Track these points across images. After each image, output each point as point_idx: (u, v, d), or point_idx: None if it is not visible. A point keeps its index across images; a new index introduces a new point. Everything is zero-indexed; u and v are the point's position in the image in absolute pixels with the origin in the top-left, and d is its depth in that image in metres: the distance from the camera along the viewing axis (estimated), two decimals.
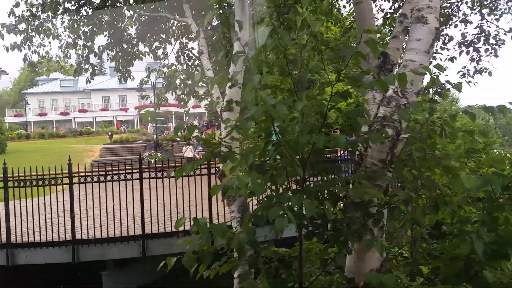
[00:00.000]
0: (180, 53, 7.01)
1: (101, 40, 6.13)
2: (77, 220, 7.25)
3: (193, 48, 6.39)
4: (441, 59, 7.27)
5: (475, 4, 6.60)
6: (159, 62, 6.98)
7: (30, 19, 5.87)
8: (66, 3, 5.70)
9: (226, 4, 5.98)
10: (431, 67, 3.23)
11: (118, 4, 5.59)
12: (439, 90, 3.63)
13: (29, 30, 5.92)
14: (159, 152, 29.80)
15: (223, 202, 4.85)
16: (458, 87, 3.82)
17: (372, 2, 3.77)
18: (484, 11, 6.53)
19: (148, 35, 5.95)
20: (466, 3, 6.84)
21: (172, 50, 6.60)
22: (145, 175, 6.97)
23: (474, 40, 6.78)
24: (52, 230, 6.99)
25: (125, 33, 6.14)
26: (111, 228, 7.06)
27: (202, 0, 4.53)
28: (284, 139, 2.50)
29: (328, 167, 3.25)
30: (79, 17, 5.85)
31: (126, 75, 6.57)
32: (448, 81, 3.44)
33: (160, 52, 6.59)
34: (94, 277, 7.35)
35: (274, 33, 2.57)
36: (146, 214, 7.07)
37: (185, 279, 2.59)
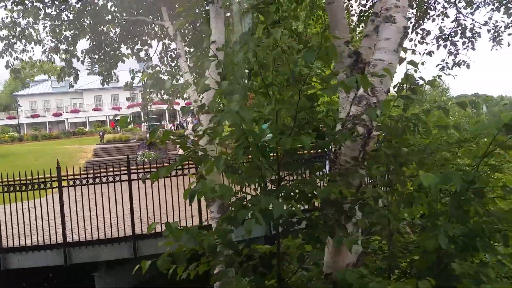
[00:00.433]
0: (163, 54, 7.08)
1: (84, 44, 6.17)
2: (69, 222, 7.31)
3: (175, 49, 6.43)
4: (419, 53, 7.37)
5: None
6: (143, 63, 7.02)
7: (11, 25, 5.89)
8: (46, 8, 5.73)
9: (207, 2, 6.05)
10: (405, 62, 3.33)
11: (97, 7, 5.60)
12: (412, 86, 3.74)
13: (10, 37, 5.94)
14: (153, 151, 29.80)
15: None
16: (432, 83, 3.93)
17: (343, 2, 3.82)
18: (460, 4, 6.66)
19: (130, 37, 5.99)
20: None
21: (155, 52, 6.65)
22: (134, 176, 7.03)
23: (451, 33, 6.89)
24: (43, 234, 7.04)
25: (108, 36, 6.17)
26: (102, 230, 7.13)
27: (180, 3, 4.56)
28: (254, 142, 2.59)
29: (304, 167, 3.34)
30: (60, 22, 5.88)
31: (108, 79, 6.61)
32: (421, 77, 3.55)
33: (142, 54, 6.66)
34: (86, 278, 7.42)
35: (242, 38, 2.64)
36: (136, 215, 7.14)
37: (176, 279, 2.67)
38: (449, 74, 7.15)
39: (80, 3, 5.57)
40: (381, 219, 3.61)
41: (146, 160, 24.70)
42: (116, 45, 6.16)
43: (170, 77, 6.34)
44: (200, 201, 7.23)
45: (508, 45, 6.38)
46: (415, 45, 7.22)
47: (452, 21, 6.80)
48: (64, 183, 7.00)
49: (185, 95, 6.66)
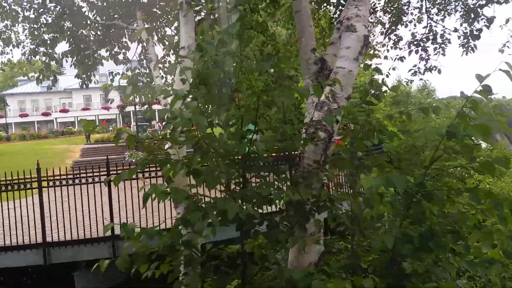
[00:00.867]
0: (142, 57, 7.16)
1: (64, 46, 6.23)
2: (49, 222, 7.36)
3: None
4: (392, 59, 7.55)
5: (428, 2, 6.88)
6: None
7: None
8: (25, 11, 5.79)
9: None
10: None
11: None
12: (376, 92, 3.89)
13: None
14: (140, 151, 29.67)
15: None
16: (395, 88, 4.06)
17: (310, 10, 3.96)
18: (433, 11, 6.84)
19: (106, 40, 6.07)
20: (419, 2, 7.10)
21: (134, 54, 6.74)
22: (114, 177, 7.06)
23: (423, 39, 7.08)
24: (23, 234, 7.09)
25: (86, 39, 6.24)
26: (82, 230, 7.20)
27: (154, 7, 4.65)
28: (212, 147, 2.71)
29: (268, 169, 3.46)
30: (38, 25, 5.94)
31: (87, 81, 6.69)
32: (384, 83, 3.69)
33: (121, 56, 6.74)
34: (68, 277, 7.48)
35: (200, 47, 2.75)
36: (116, 215, 7.21)
37: (156, 278, 2.77)
38: (421, 79, 7.37)
39: (58, 6, 5.64)
40: (342, 220, 3.76)
41: (133, 160, 24.63)
42: (94, 48, 6.25)
43: (148, 79, 6.44)
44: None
45: (473, 51, 6.57)
46: (388, 50, 7.43)
47: (424, 27, 7.03)
48: (44, 184, 7.06)
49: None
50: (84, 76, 6.61)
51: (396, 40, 7.41)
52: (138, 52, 6.92)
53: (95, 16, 5.69)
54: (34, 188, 7.05)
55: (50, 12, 5.82)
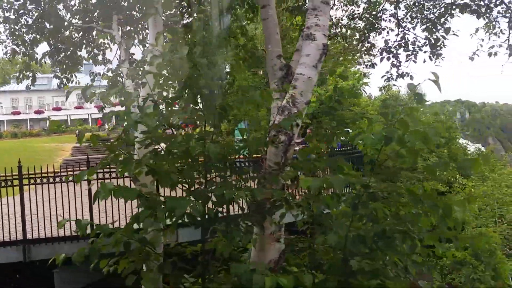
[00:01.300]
0: (122, 58, 7.25)
1: (46, 46, 6.35)
2: (29, 220, 7.46)
3: (134, 54, 6.65)
4: (364, 65, 7.74)
5: (406, 9, 7.07)
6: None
7: None
8: (6, 12, 5.89)
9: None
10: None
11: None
12: (337, 98, 4.07)
13: None
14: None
15: None
16: (354, 94, 4.23)
17: (276, 18, 4.11)
18: (405, 18, 7.04)
19: (84, 41, 6.20)
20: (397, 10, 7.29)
21: (115, 55, 6.85)
22: (95, 176, 7.20)
23: (396, 46, 7.28)
24: (3, 231, 7.18)
25: (67, 40, 6.34)
26: (62, 228, 7.28)
27: (129, 11, 4.79)
28: (170, 148, 2.85)
29: (231, 170, 3.61)
30: (18, 26, 6.05)
31: (65, 81, 6.81)
32: (341, 88, 3.84)
33: (100, 57, 6.85)
34: (49, 274, 7.56)
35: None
36: (96, 213, 7.33)
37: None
38: (394, 85, 7.58)
39: (39, 8, 5.76)
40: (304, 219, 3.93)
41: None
42: (72, 49, 6.37)
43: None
44: None
45: (431, 59, 6.79)
46: (361, 56, 7.61)
47: (396, 35, 7.22)
48: (25, 182, 7.16)
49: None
50: (63, 76, 6.73)
51: (369, 47, 7.63)
52: (119, 54, 7.04)
53: (70, 18, 5.81)
54: (15, 186, 7.15)
55: (30, 14, 5.93)
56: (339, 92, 4.32)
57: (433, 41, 6.58)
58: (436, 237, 3.13)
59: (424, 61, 6.84)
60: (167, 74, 2.99)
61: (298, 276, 2.61)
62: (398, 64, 7.37)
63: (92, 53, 6.67)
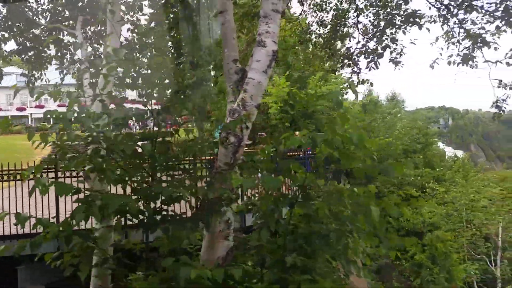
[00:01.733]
0: (92, 57, 7.30)
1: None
2: None
3: (94, 54, 6.66)
4: (327, 71, 7.96)
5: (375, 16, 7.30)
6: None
7: None
8: None
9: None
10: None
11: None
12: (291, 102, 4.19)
13: None
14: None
15: None
16: (294, 98, 4.39)
17: (233, 24, 4.25)
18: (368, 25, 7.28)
19: (51, 40, 6.25)
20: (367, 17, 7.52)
21: (86, 55, 6.87)
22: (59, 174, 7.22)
23: (357, 54, 7.51)
24: None
25: (33, 38, 6.37)
26: (26, 225, 7.28)
27: (93, 13, 4.88)
28: (110, 147, 2.96)
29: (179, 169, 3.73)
30: None
31: (33, 79, 6.84)
32: (289, 94, 4.00)
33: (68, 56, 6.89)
34: (10, 272, 7.55)
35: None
36: (62, 211, 7.35)
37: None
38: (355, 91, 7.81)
39: (5, 6, 5.79)
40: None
41: None
42: (41, 48, 6.42)
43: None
44: None
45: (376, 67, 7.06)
46: (324, 63, 7.80)
47: (357, 42, 7.48)
48: None
49: None
50: (30, 74, 6.76)
51: (330, 54, 7.86)
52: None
53: (34, 18, 5.85)
54: None
55: None
56: (292, 96, 4.47)
57: (377, 50, 6.85)
58: (371, 238, 3.30)
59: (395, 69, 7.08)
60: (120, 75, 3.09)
61: (229, 269, 2.74)
62: (358, 71, 7.65)
63: (60, 53, 6.71)
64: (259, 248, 4.04)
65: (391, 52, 6.97)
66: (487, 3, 5.52)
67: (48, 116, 2.65)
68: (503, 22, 5.27)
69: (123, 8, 5.67)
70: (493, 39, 5.59)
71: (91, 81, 3.24)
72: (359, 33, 7.27)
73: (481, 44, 5.63)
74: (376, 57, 6.97)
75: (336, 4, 7.28)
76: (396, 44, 6.87)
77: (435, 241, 13.97)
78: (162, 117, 3.03)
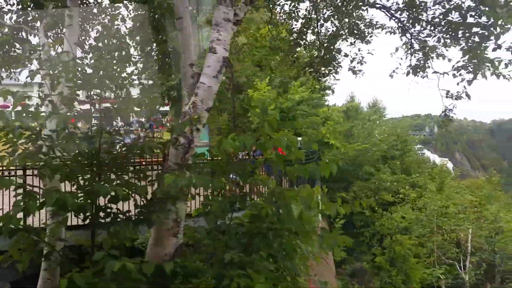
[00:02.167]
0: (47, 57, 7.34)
1: None
2: None
3: (51, 55, 6.63)
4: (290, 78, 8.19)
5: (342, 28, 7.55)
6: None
7: None
8: None
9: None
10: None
11: None
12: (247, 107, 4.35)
13: None
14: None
15: None
16: (248, 101, 4.54)
17: (191, 29, 4.41)
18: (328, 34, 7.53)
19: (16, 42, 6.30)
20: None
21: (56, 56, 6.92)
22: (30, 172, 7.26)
23: (318, 62, 7.75)
24: None
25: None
26: None
27: (56, 17, 4.97)
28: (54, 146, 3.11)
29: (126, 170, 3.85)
30: None
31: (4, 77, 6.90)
32: (249, 97, 4.17)
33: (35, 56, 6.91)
34: None
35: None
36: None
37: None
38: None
39: None
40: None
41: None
42: (7, 48, 6.47)
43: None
44: None
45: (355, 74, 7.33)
46: (287, 68, 8.02)
47: (316, 50, 7.69)
48: None
49: None
50: None
51: (292, 61, 8.11)
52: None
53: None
54: None
55: None
56: (246, 100, 4.63)
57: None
58: (308, 236, 3.48)
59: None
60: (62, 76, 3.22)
61: (164, 265, 2.89)
62: (319, 78, 7.87)
63: (27, 53, 6.76)
64: (208, 246, 4.20)
65: (351, 61, 7.25)
66: (432, 17, 5.79)
67: None
68: (448, 36, 5.54)
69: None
70: (447, 49, 5.89)
71: (45, 81, 3.38)
72: (319, 42, 7.50)
73: (433, 55, 5.92)
74: (334, 67, 7.21)
75: (304, 13, 7.51)
76: (353, 55, 7.12)
77: (394, 244, 14.38)
78: (108, 116, 3.17)
